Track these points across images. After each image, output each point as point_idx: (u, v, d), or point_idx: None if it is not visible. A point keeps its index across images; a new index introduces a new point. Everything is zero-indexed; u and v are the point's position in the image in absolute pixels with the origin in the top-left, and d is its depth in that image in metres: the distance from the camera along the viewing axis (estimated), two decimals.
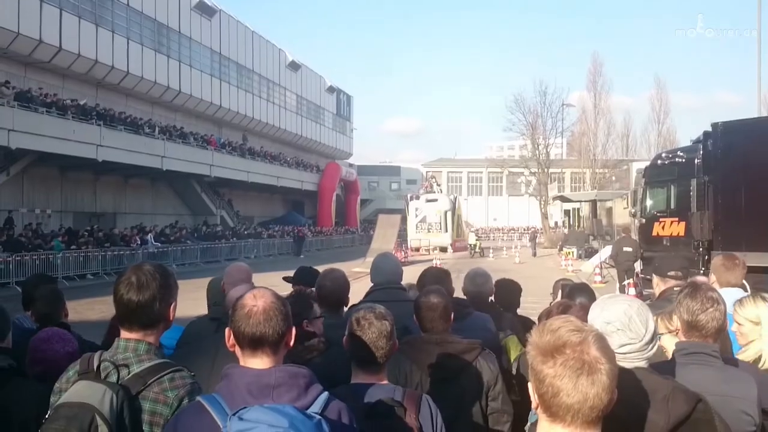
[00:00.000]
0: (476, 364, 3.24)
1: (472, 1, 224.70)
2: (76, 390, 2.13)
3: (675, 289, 4.37)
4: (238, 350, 2.04)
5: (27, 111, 26.08)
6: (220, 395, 1.94)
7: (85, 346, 3.38)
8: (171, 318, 2.36)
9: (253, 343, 1.99)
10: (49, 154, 27.75)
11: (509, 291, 5.16)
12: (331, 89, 67.31)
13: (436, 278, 4.12)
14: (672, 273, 4.46)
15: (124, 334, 2.29)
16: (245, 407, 1.78)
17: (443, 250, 42.21)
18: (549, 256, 38.04)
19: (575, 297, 4.18)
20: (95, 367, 2.19)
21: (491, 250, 41.53)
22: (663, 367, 2.51)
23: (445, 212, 44.84)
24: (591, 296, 4.27)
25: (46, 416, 2.14)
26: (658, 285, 4.51)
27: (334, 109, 68.43)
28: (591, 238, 34.83)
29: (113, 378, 2.17)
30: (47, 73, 31.31)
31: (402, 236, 41.18)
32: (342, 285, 3.90)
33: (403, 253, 35.02)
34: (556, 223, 56.07)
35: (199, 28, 42.78)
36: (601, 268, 22.97)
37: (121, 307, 2.27)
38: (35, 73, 30.56)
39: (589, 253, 31.06)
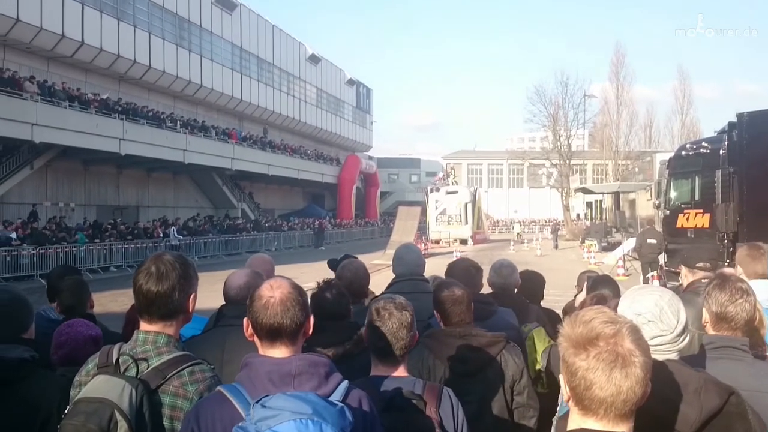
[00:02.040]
0: (501, 357, 3.19)
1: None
2: (95, 385, 2.11)
3: (703, 280, 4.30)
4: (256, 340, 2.04)
5: (50, 105, 26.38)
6: (241, 384, 1.95)
7: (110, 337, 3.38)
8: (191, 309, 2.32)
9: (271, 334, 1.99)
10: (72, 148, 28.03)
11: (533, 283, 5.10)
12: (350, 82, 67.37)
13: (466, 272, 4.04)
14: (700, 264, 4.40)
15: (144, 325, 2.26)
16: (267, 395, 1.77)
17: (463, 242, 42.15)
18: (571, 249, 37.79)
19: (598, 289, 4.11)
20: (114, 361, 2.17)
21: (512, 242, 41.34)
22: (691, 361, 2.46)
23: (466, 204, 44.74)
24: (614, 288, 4.20)
25: (66, 411, 2.13)
26: (686, 276, 4.44)
27: (354, 101, 68.48)
28: (614, 230, 34.56)
29: (132, 372, 2.14)
30: (70, 67, 31.64)
31: (422, 228, 41.15)
32: (362, 275, 3.88)
33: (423, 245, 34.97)
34: (578, 215, 55.68)
35: (220, 22, 42.99)
36: (624, 260, 22.74)
37: (140, 297, 2.24)
38: (58, 68, 30.90)
39: (612, 246, 30.79)
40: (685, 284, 4.49)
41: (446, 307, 3.21)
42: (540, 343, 4.06)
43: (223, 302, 3.40)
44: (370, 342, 2.50)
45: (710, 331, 2.66)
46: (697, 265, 4.42)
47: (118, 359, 2.17)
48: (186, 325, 3.39)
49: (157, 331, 2.24)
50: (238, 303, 3.00)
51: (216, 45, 42.60)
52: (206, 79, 41.29)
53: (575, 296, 4.90)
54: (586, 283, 4.71)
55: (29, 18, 27.27)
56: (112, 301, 15.95)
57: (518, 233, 53.12)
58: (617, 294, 3.92)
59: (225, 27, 43.60)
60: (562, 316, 4.72)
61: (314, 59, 58.09)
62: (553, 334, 4.02)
